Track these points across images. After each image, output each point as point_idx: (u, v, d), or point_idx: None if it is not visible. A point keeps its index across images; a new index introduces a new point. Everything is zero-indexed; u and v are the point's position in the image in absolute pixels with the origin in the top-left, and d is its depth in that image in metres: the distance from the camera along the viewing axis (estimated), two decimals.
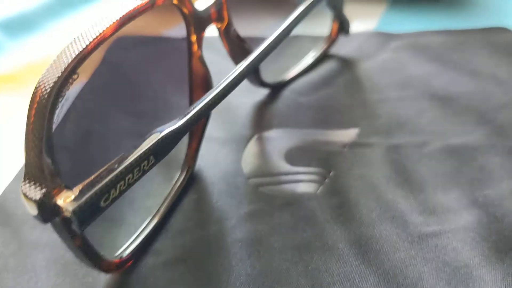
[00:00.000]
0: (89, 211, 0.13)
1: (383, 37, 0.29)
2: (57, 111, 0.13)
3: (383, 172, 0.20)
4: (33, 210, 0.13)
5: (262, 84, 0.25)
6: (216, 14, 0.20)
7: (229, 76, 0.17)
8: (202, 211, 0.19)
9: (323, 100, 0.25)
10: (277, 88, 0.26)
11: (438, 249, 0.17)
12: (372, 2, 0.34)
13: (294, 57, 0.27)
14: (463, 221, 0.18)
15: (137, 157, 0.14)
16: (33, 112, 0.13)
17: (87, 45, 0.14)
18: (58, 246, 0.17)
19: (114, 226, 0.18)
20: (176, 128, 0.15)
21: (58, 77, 0.13)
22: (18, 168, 0.21)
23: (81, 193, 0.13)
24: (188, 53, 0.19)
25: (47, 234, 0.18)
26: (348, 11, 0.29)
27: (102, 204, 0.13)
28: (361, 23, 0.31)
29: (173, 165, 0.20)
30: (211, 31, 0.20)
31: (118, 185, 0.13)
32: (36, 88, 0.13)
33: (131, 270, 0.17)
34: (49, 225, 0.13)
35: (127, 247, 0.17)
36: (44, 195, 0.13)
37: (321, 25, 0.28)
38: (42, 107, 0.13)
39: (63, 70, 0.13)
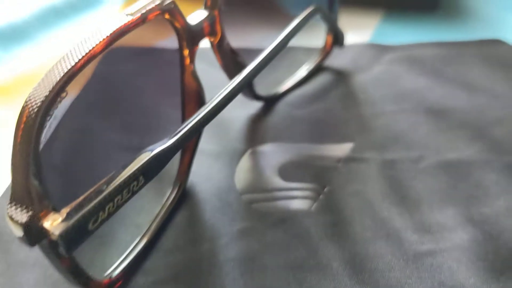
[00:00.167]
0: (77, 235, 0.12)
1: (378, 49, 0.29)
2: (44, 131, 0.13)
3: (378, 188, 0.20)
4: (19, 233, 0.12)
5: (256, 97, 0.25)
6: (209, 28, 0.20)
7: (222, 92, 0.17)
8: (194, 228, 0.19)
9: (317, 113, 0.25)
10: (271, 101, 0.25)
11: (433, 268, 0.17)
12: (366, 13, 0.34)
13: (288, 69, 0.27)
14: (458, 239, 0.18)
15: (126, 177, 0.13)
16: (20, 133, 0.12)
17: (76, 63, 0.13)
18: (46, 265, 0.17)
19: (103, 244, 0.18)
20: (167, 147, 0.14)
21: (46, 97, 0.13)
22: (7, 184, 0.21)
23: (69, 215, 0.12)
24: (181, 67, 0.19)
25: (36, 252, 0.17)
26: (343, 22, 0.28)
27: (90, 227, 0.13)
28: (356, 34, 0.31)
29: (164, 181, 0.20)
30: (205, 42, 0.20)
31: (107, 207, 0.13)
32: (23, 107, 0.13)
33: None
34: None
35: (116, 267, 0.17)
36: (31, 218, 0.12)
37: (315, 36, 0.28)
38: (29, 128, 0.12)
39: (50, 89, 0.13)
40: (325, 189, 0.20)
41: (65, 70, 0.13)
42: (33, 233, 0.12)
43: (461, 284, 0.16)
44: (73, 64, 0.13)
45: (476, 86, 0.26)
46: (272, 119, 0.24)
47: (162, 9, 0.17)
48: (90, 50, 0.14)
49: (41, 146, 0.13)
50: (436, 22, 0.33)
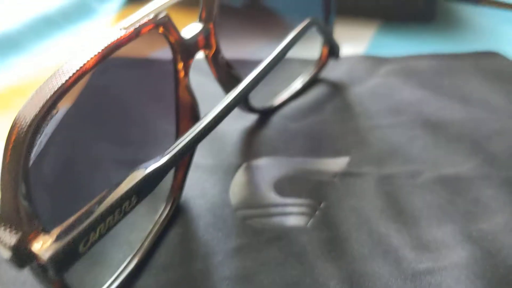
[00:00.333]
0: (67, 257, 0.12)
1: (373, 61, 0.29)
2: (34, 149, 0.13)
3: (375, 204, 0.20)
4: (7, 255, 0.12)
5: (251, 109, 0.24)
6: (204, 41, 0.19)
7: (217, 108, 0.17)
8: (187, 245, 0.18)
9: (313, 126, 0.24)
10: (266, 114, 0.25)
11: (432, 287, 0.16)
12: (362, 24, 0.34)
13: (283, 81, 0.27)
14: (457, 257, 0.17)
15: (118, 197, 0.13)
16: (8, 152, 0.12)
17: (67, 80, 0.13)
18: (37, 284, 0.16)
19: (95, 264, 0.17)
20: (160, 165, 0.14)
21: (36, 115, 0.12)
22: None
23: (59, 237, 0.12)
24: (175, 81, 0.19)
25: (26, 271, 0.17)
26: (338, 33, 0.28)
27: (81, 249, 0.12)
28: (351, 45, 0.31)
29: (158, 196, 0.19)
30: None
31: (98, 228, 0.13)
32: (12, 126, 0.12)
33: None
34: None
35: (108, 286, 0.16)
36: (19, 240, 0.12)
37: (310, 48, 0.28)
38: (19, 147, 0.12)
39: (41, 106, 0.12)
40: (321, 205, 0.20)
41: (56, 88, 0.13)
42: (22, 256, 0.12)
43: None
44: (64, 81, 0.13)
45: (472, 99, 0.26)
46: (267, 132, 0.24)
47: (156, 23, 0.17)
48: (81, 67, 0.13)
49: (31, 164, 0.13)
50: (432, 34, 0.33)
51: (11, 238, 0.12)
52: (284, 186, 0.21)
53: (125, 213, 0.13)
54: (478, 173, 0.21)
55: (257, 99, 0.24)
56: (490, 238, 0.18)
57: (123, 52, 0.16)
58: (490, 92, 0.26)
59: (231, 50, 0.22)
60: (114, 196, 0.13)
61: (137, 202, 0.14)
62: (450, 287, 0.16)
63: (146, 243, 0.18)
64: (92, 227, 0.12)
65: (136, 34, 0.16)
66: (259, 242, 0.18)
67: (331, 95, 0.27)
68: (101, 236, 0.13)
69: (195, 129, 0.15)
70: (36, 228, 0.12)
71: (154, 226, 0.18)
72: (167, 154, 0.14)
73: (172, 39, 0.18)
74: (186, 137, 0.15)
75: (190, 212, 0.20)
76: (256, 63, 0.20)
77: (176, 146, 0.15)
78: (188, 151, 0.15)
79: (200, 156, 0.21)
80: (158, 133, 0.20)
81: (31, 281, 0.17)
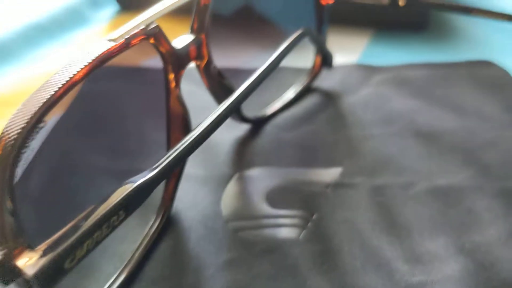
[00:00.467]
0: (53, 273, 0.12)
1: (366, 71, 0.29)
2: (20, 164, 0.12)
3: (367, 215, 0.19)
4: None
5: (243, 119, 0.24)
6: (195, 52, 0.19)
7: (209, 119, 0.17)
8: (178, 258, 0.18)
9: (305, 136, 0.24)
10: (258, 123, 0.25)
11: None
12: (355, 33, 0.34)
13: (276, 91, 0.27)
14: (450, 270, 0.17)
15: (106, 212, 0.13)
16: None
17: (55, 92, 0.13)
18: None
19: (84, 276, 0.17)
20: (150, 178, 0.14)
21: (22, 128, 0.12)
22: None
23: (44, 253, 0.12)
24: (166, 91, 0.19)
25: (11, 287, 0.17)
26: (331, 42, 0.28)
27: (67, 265, 0.12)
28: (344, 54, 0.31)
29: (148, 208, 0.19)
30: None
31: (85, 244, 0.12)
32: None
33: None
34: None
35: None
36: (4, 256, 0.12)
37: (303, 57, 0.27)
38: (4, 162, 0.12)
39: (28, 120, 0.12)
40: (314, 216, 0.20)
41: (44, 100, 0.13)
42: (7, 272, 0.12)
43: None
44: (52, 93, 0.13)
45: (465, 108, 0.25)
46: (259, 142, 0.24)
47: (146, 34, 0.17)
48: (70, 79, 0.13)
49: (17, 179, 0.12)
50: (425, 43, 0.33)
51: None
52: (277, 197, 0.21)
53: (113, 228, 0.13)
54: (471, 184, 0.21)
55: (250, 109, 0.24)
56: (483, 250, 0.18)
57: (114, 62, 0.16)
58: (483, 102, 0.26)
59: (223, 60, 0.21)
60: (101, 211, 0.13)
61: (126, 217, 0.13)
62: None
63: (136, 256, 0.18)
64: (79, 243, 0.12)
65: (126, 45, 0.16)
66: (250, 255, 0.18)
67: (324, 104, 0.27)
68: (88, 251, 0.13)
69: (186, 141, 0.15)
70: (22, 244, 0.12)
71: (144, 238, 0.18)
72: (156, 167, 0.14)
73: (163, 49, 0.18)
74: (177, 150, 0.15)
75: (181, 223, 0.19)
76: (248, 73, 0.20)
77: (166, 159, 0.15)
78: (179, 164, 0.15)
79: (192, 167, 0.21)
80: (150, 144, 0.20)
81: None
